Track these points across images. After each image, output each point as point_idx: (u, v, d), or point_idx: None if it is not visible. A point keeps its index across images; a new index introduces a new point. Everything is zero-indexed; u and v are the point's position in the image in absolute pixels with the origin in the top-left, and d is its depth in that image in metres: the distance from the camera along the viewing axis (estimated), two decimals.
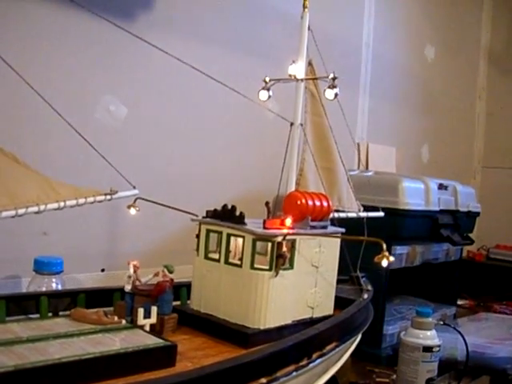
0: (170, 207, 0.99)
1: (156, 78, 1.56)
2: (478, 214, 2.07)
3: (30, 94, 0.89)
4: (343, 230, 0.94)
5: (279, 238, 0.84)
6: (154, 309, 0.85)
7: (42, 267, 1.18)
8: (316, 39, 1.08)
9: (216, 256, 0.90)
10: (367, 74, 2.38)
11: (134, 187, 0.97)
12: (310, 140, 1.02)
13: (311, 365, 0.78)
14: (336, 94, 0.99)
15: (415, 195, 1.74)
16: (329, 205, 0.94)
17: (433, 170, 2.76)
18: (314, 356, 0.79)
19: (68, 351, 0.70)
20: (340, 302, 1.01)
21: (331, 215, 0.94)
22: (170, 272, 0.91)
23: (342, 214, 1.02)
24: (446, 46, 2.92)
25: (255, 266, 0.85)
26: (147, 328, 0.83)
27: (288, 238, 0.85)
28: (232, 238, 0.88)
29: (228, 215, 0.89)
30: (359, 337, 1.04)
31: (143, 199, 0.99)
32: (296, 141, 0.99)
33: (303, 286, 0.90)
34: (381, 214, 1.15)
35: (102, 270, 1.48)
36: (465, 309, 2.47)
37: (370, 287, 1.03)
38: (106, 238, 1.50)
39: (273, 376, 0.71)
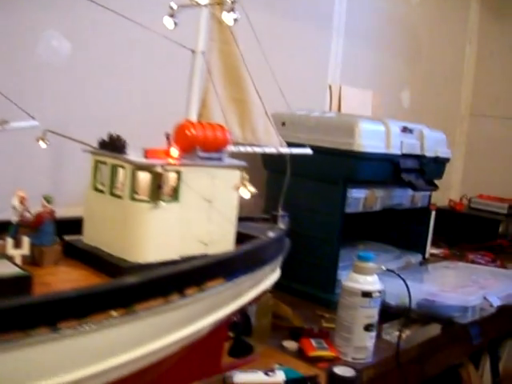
0: (74, 140, 0.93)
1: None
2: (447, 160, 2.00)
3: None
4: (243, 163, 0.88)
5: (159, 168, 0.79)
6: (26, 239, 0.81)
7: None
8: None
9: (103, 187, 0.85)
10: (341, 14, 2.29)
11: (33, 118, 0.91)
12: (218, 69, 0.95)
13: (183, 301, 0.74)
14: (235, 19, 0.92)
15: (374, 137, 1.68)
16: (225, 137, 0.88)
17: (414, 116, 2.67)
18: (189, 292, 0.75)
19: None
20: (244, 240, 0.96)
21: (234, 148, 0.88)
22: (48, 202, 0.87)
23: (258, 149, 0.96)
24: None
25: (135, 197, 0.80)
26: (18, 258, 0.79)
27: (171, 168, 0.80)
28: (118, 169, 0.83)
29: (112, 145, 0.84)
30: (274, 276, 0.99)
31: (52, 132, 0.94)
32: (198, 70, 0.92)
33: (193, 221, 0.85)
34: (307, 150, 1.09)
35: None
36: (439, 258, 2.42)
37: (283, 226, 0.97)
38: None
39: (128, 308, 0.67)
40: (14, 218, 0.87)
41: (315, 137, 1.70)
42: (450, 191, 3.20)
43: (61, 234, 0.93)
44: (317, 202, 1.72)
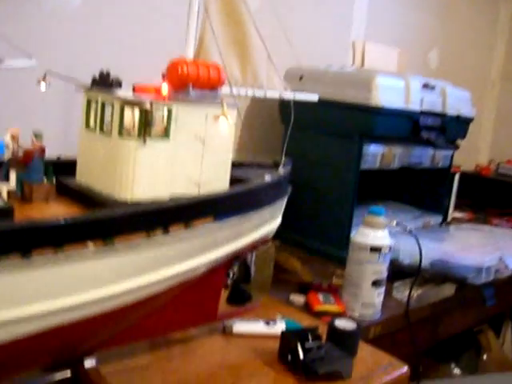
0: (71, 81, 0.91)
1: None
2: (470, 119, 1.94)
3: None
4: (238, 104, 0.85)
5: (147, 104, 0.77)
6: (13, 174, 0.80)
7: None
8: None
9: (94, 126, 0.84)
10: None
11: (31, 58, 0.89)
12: (216, 10, 0.92)
13: (167, 237, 0.73)
14: None
15: (392, 92, 1.63)
16: (219, 76, 0.85)
17: (442, 78, 2.59)
18: (174, 229, 0.73)
19: None
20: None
21: (234, 90, 0.85)
22: (38, 138, 0.85)
23: (259, 92, 0.93)
24: None
25: (123, 134, 0.78)
26: (4, 193, 0.79)
27: (160, 104, 0.78)
28: (108, 106, 0.81)
29: (103, 82, 0.82)
30: (274, 223, 0.97)
31: (51, 73, 0.92)
32: (195, 8, 0.89)
33: (184, 160, 0.83)
34: (313, 97, 1.05)
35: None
36: (462, 221, 2.37)
37: (283, 173, 0.95)
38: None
39: (106, 241, 0.66)
40: (6, 155, 0.87)
41: (332, 91, 1.67)
42: (478, 156, 3.13)
43: (60, 175, 0.92)
44: (332, 158, 1.69)
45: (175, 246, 0.75)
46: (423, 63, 2.62)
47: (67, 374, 0.85)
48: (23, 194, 0.83)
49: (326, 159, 1.70)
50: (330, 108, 1.66)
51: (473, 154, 3.06)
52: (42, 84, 0.94)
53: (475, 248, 1.62)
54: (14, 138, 0.86)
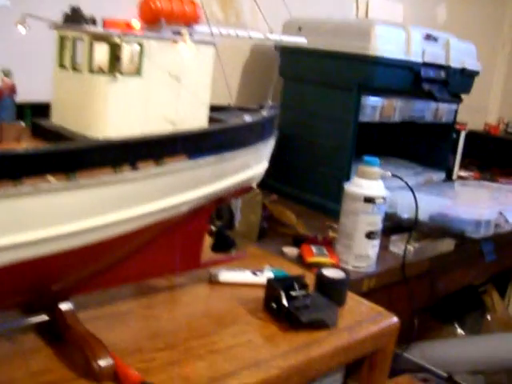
0: (45, 20, 0.88)
1: None
2: (475, 73, 1.89)
3: None
4: (214, 42, 0.82)
5: (116, 38, 0.73)
6: None
7: None
8: None
9: (67, 63, 0.81)
10: None
11: None
12: None
13: (135, 173, 0.70)
14: None
15: (392, 42, 1.59)
16: (195, 11, 0.81)
17: (449, 31, 2.52)
18: (142, 164, 0.71)
19: None
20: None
21: (214, 30, 0.81)
22: (7, 76, 0.83)
23: (242, 33, 0.89)
24: None
25: (93, 70, 0.75)
26: None
27: (130, 39, 0.74)
28: (78, 42, 0.79)
29: (75, 18, 0.79)
30: (258, 168, 0.95)
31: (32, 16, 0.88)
32: None
33: (158, 98, 0.80)
34: (301, 40, 1.01)
35: None
36: (467, 180, 2.33)
37: (266, 115, 0.92)
38: None
39: (68, 175, 0.64)
40: None
41: (331, 42, 1.63)
42: (487, 116, 3.06)
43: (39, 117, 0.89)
44: (331, 110, 1.66)
45: (146, 183, 0.73)
46: (431, 18, 2.55)
47: (44, 317, 0.84)
48: None
49: (325, 111, 1.67)
50: (328, 59, 1.62)
51: (482, 113, 3.00)
52: (20, 27, 0.91)
53: (477, 203, 1.58)
54: None
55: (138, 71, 0.77)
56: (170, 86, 0.80)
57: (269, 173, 1.81)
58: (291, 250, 1.35)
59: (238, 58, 1.86)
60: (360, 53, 1.54)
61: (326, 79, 1.65)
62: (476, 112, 2.75)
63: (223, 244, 1.03)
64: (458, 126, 2.09)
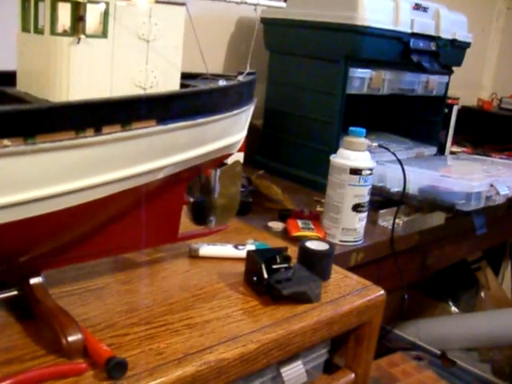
0: None
1: None
2: (467, 44, 1.85)
3: None
4: (184, 2, 0.78)
5: None
6: None
7: None
8: None
9: (29, 27, 0.77)
10: None
11: None
12: None
13: (99, 137, 0.66)
14: None
15: (380, 12, 1.55)
16: None
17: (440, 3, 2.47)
18: (108, 129, 0.67)
19: None
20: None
21: None
22: None
23: None
24: None
25: (55, 31, 0.71)
26: None
27: None
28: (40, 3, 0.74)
29: None
30: (236, 136, 0.91)
31: None
32: None
33: (126, 61, 0.76)
34: (279, 3, 0.97)
35: None
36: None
37: (242, 79, 0.88)
38: None
39: (27, 139, 0.60)
40: None
41: (317, 12, 1.58)
42: (481, 92, 3.02)
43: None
44: (317, 82, 1.62)
45: (112, 148, 0.69)
46: None
47: (13, 292, 0.81)
48: None
49: (312, 84, 1.63)
50: (314, 30, 1.58)
51: (475, 88, 2.96)
52: None
53: (468, 176, 1.55)
54: None
55: (103, 32, 0.73)
56: (139, 49, 0.76)
57: (256, 148, 1.78)
58: (276, 225, 1.32)
59: (223, 32, 1.82)
60: (347, 23, 1.50)
61: (312, 51, 1.61)
62: (469, 87, 2.71)
63: (201, 217, 0.99)
64: (450, 101, 2.06)
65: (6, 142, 0.59)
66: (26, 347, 0.75)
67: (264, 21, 1.70)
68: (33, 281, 0.80)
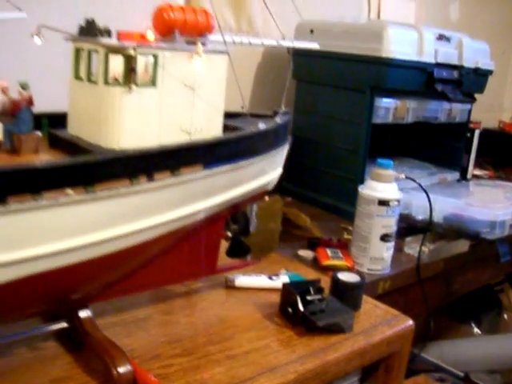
0: (61, 31, 0.89)
1: None
2: (489, 72, 1.88)
3: None
4: (227, 50, 0.83)
5: (131, 50, 0.75)
6: (0, 126, 0.79)
7: None
8: None
9: (83, 75, 0.82)
10: None
11: (20, 10, 0.87)
12: None
13: (152, 184, 0.71)
14: None
15: (404, 44, 1.59)
16: (208, 21, 0.82)
17: (464, 30, 2.51)
18: (159, 176, 0.72)
19: None
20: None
21: (227, 38, 0.82)
22: (24, 89, 0.84)
23: (255, 40, 0.90)
24: None
25: (108, 81, 0.77)
26: None
27: (145, 50, 0.76)
28: (93, 54, 0.80)
29: (90, 30, 0.80)
30: (273, 174, 0.95)
31: (47, 27, 0.90)
32: None
33: (173, 108, 0.81)
34: (313, 45, 1.02)
35: None
36: (481, 179, 2.32)
37: (280, 121, 0.93)
38: None
39: (86, 187, 0.65)
40: None
41: (344, 44, 1.63)
42: (502, 114, 3.05)
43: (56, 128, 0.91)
44: (344, 112, 1.66)
45: (162, 194, 0.74)
46: (444, 16, 2.54)
47: (63, 324, 0.85)
48: (13, 146, 0.82)
49: (338, 113, 1.67)
50: (341, 61, 1.63)
51: (497, 111, 2.99)
52: (36, 38, 0.92)
53: (492, 203, 1.58)
54: (4, 90, 0.85)
55: (152, 82, 0.78)
56: (185, 96, 0.81)
57: (283, 176, 1.82)
58: (306, 253, 1.36)
59: (251, 63, 1.87)
60: (372, 55, 1.54)
61: (338, 81, 1.66)
62: (490, 110, 2.74)
63: (238, 250, 1.04)
64: (472, 125, 2.09)
65: (68, 190, 0.64)
66: (78, 377, 0.79)
67: (291, 52, 1.75)
68: (82, 314, 0.85)
